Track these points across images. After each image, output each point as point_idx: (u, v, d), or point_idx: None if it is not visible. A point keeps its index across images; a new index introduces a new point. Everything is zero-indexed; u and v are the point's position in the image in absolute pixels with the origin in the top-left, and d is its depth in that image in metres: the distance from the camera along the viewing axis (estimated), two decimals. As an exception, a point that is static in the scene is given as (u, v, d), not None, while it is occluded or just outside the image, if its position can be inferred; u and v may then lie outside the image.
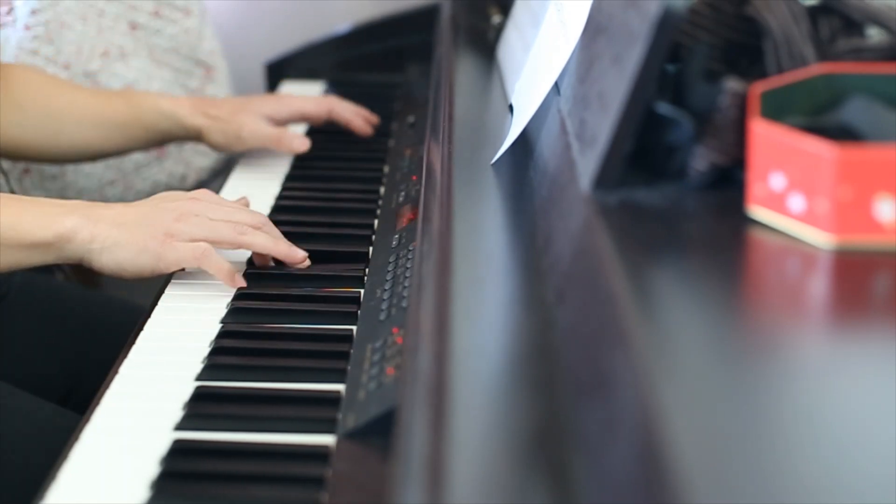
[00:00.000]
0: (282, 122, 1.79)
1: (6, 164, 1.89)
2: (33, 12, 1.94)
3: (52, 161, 1.78)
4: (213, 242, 1.36)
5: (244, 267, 1.42)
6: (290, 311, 1.35)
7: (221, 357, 1.26)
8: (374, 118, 1.89)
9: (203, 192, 1.42)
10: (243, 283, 1.37)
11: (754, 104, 1.04)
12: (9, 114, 1.66)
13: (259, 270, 1.42)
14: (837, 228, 0.98)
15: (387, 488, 0.98)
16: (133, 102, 1.72)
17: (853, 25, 1.14)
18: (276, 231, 1.41)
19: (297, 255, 1.40)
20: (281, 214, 1.61)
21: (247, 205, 1.48)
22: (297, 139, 1.75)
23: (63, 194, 1.95)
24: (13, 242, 1.33)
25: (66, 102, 1.70)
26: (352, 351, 1.25)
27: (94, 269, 1.35)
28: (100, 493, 1.06)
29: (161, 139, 1.75)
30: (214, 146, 1.75)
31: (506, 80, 1.67)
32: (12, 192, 1.89)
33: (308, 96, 1.87)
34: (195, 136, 1.74)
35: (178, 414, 1.16)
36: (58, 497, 1.05)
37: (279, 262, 1.42)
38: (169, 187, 2.01)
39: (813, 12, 1.14)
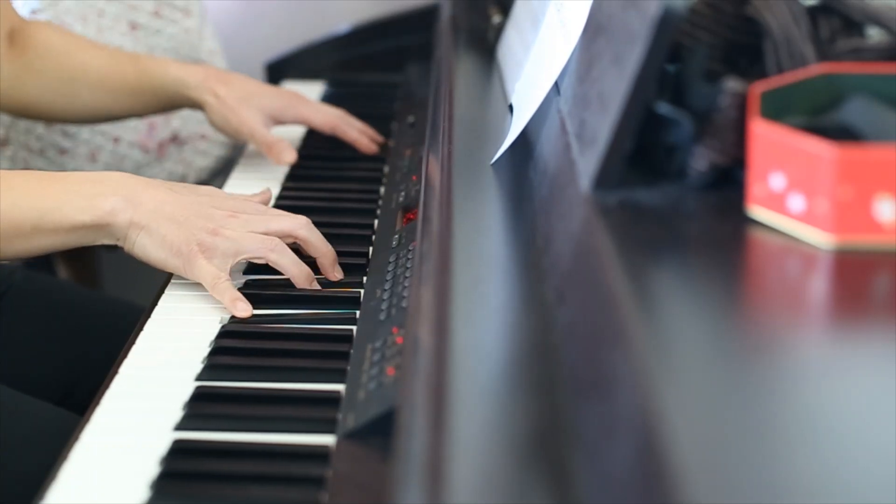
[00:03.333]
0: (283, 123, 1.78)
1: (6, 165, 1.90)
2: (33, 12, 1.94)
3: (65, 121, 1.81)
4: (244, 257, 1.35)
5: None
6: (290, 311, 1.34)
7: (221, 357, 1.26)
8: (380, 137, 1.84)
9: (246, 204, 1.40)
10: (248, 312, 1.33)
11: (754, 104, 1.04)
12: (29, 77, 1.70)
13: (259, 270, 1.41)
14: (837, 228, 0.98)
15: (387, 488, 0.98)
16: (144, 66, 1.73)
17: (853, 25, 1.14)
18: (317, 233, 1.40)
19: (313, 285, 1.37)
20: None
21: (267, 200, 1.48)
22: (287, 152, 1.73)
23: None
24: (54, 227, 1.32)
25: (83, 67, 1.72)
26: (352, 351, 1.25)
27: (125, 251, 1.35)
28: (100, 493, 1.06)
29: (169, 105, 1.75)
30: (211, 124, 1.75)
31: (506, 80, 1.67)
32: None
33: (318, 105, 1.83)
34: (198, 108, 1.75)
35: (178, 414, 1.16)
36: (58, 497, 1.04)
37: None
38: (173, 176, 2.02)
39: (813, 12, 1.14)
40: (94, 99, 1.73)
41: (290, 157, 1.73)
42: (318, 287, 1.38)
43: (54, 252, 1.94)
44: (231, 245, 1.34)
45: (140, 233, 1.33)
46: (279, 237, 1.37)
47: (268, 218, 1.38)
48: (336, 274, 1.40)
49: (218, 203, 1.37)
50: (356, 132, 1.81)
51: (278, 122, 1.77)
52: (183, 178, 2.08)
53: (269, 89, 1.81)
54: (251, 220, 1.37)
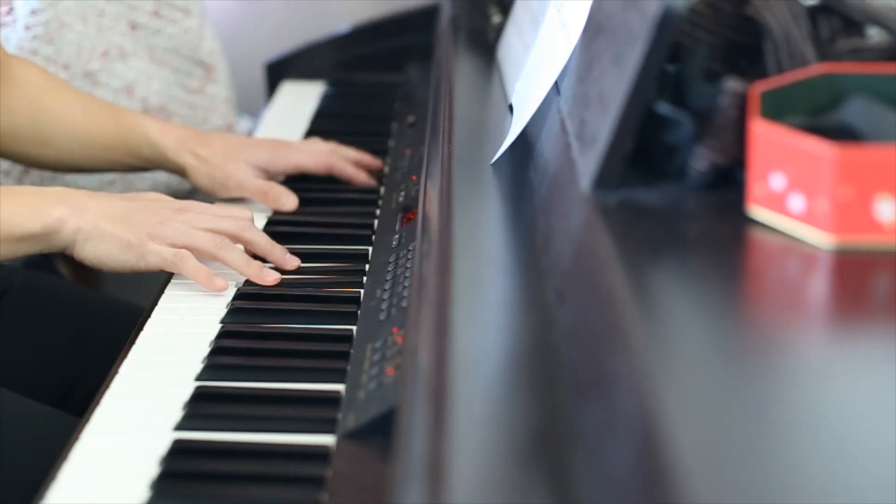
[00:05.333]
0: (275, 176, 1.66)
1: (6, 165, 1.89)
2: (33, 12, 1.94)
3: (31, 165, 1.73)
4: (192, 250, 1.37)
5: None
6: (290, 311, 1.35)
7: (221, 357, 1.26)
8: (378, 163, 1.75)
9: (190, 203, 1.43)
10: (224, 286, 1.37)
11: (754, 104, 1.04)
12: (5, 116, 1.64)
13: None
14: (837, 228, 0.98)
15: (387, 488, 0.98)
16: (122, 124, 1.65)
17: (853, 25, 1.14)
18: (259, 234, 1.42)
19: (265, 278, 1.39)
20: (281, 215, 1.61)
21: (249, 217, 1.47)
22: (285, 196, 1.61)
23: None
24: (4, 236, 1.36)
25: (59, 114, 1.65)
26: (352, 351, 1.25)
27: (77, 258, 1.37)
28: (100, 493, 1.06)
29: (145, 166, 1.67)
30: (197, 188, 1.65)
31: (506, 80, 1.67)
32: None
33: (307, 146, 1.70)
34: (179, 173, 1.64)
35: (178, 414, 1.16)
36: (58, 497, 1.05)
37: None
38: (169, 187, 2.01)
39: (813, 12, 1.14)
40: (66, 148, 1.65)
41: (290, 202, 1.61)
42: (274, 279, 1.39)
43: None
44: (180, 235, 1.37)
45: (88, 237, 1.36)
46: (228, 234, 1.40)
47: (212, 217, 1.40)
48: (291, 262, 1.42)
49: (162, 204, 1.40)
50: (352, 168, 1.70)
51: (269, 174, 1.65)
52: (183, 179, 2.08)
53: (253, 141, 1.70)
54: (196, 218, 1.39)
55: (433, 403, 0.95)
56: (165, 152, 1.62)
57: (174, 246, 1.36)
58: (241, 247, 1.41)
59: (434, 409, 0.94)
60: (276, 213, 1.62)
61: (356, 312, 1.33)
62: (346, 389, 1.18)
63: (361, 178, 1.69)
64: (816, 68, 1.09)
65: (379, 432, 1.08)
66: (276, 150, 1.66)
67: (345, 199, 1.66)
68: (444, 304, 1.08)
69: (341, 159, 1.69)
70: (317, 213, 1.61)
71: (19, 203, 1.37)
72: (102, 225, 1.36)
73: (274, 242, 1.43)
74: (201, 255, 1.39)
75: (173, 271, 1.38)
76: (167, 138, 1.63)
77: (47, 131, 1.65)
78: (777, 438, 0.77)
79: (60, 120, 1.65)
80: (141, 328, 1.32)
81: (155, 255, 1.36)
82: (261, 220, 1.57)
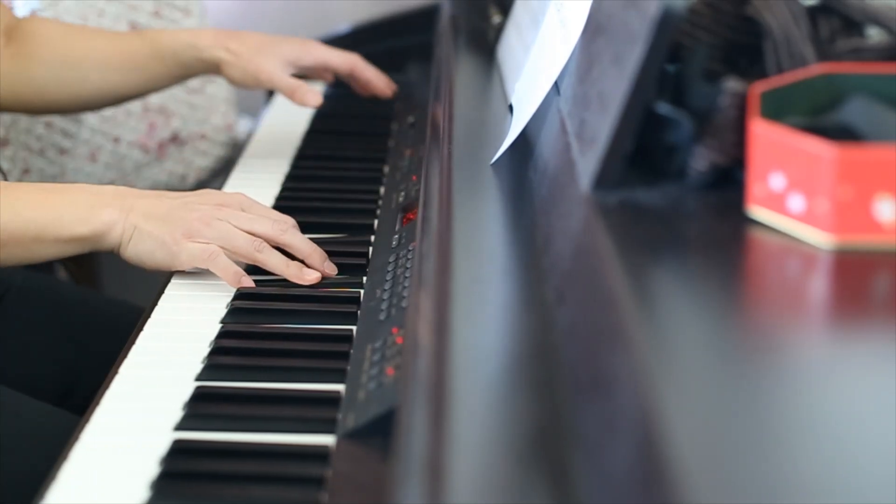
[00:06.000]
0: (304, 69, 1.77)
1: (6, 165, 1.90)
2: (33, 12, 1.94)
3: (76, 109, 1.78)
4: (231, 252, 1.37)
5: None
6: (290, 311, 1.35)
7: (221, 357, 1.26)
8: (394, 85, 1.87)
9: (234, 198, 1.42)
10: (251, 283, 1.37)
11: (754, 104, 1.04)
12: (32, 69, 1.69)
13: (259, 270, 1.41)
14: (837, 228, 0.98)
15: (387, 488, 0.98)
16: (151, 38, 1.72)
17: (853, 25, 1.14)
18: (299, 237, 1.41)
19: (305, 278, 1.39)
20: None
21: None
22: (311, 94, 1.73)
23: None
24: (53, 238, 1.35)
25: (87, 50, 1.71)
26: (352, 351, 1.25)
27: (123, 258, 1.37)
28: (100, 493, 1.06)
29: (183, 73, 1.74)
30: (231, 81, 1.74)
31: (506, 80, 1.67)
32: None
33: (334, 49, 1.83)
34: (214, 69, 1.73)
35: (178, 414, 1.16)
36: (58, 497, 1.05)
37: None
38: (169, 187, 2.01)
39: (813, 12, 1.14)
40: (104, 79, 1.71)
41: (316, 100, 1.73)
42: (314, 278, 1.38)
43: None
44: (218, 233, 1.36)
45: (130, 237, 1.36)
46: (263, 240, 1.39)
47: (252, 217, 1.40)
48: (328, 270, 1.41)
49: (204, 199, 1.40)
50: (373, 73, 1.83)
51: (298, 67, 1.76)
52: (183, 178, 2.08)
53: (282, 38, 1.79)
54: (237, 217, 1.38)
55: (433, 403, 0.95)
56: (201, 50, 1.71)
57: (212, 240, 1.36)
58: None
59: (434, 409, 0.94)
60: (280, 198, 1.62)
61: (356, 312, 1.33)
62: (346, 389, 1.18)
63: (380, 84, 1.83)
64: (816, 68, 1.09)
65: (379, 432, 1.08)
66: (305, 45, 1.78)
67: (345, 199, 1.66)
68: (444, 305, 1.08)
69: (364, 66, 1.82)
70: (317, 213, 1.61)
71: (71, 203, 1.36)
72: (142, 224, 1.36)
73: (314, 246, 1.41)
74: (237, 258, 1.38)
75: (205, 268, 1.37)
76: (200, 38, 1.72)
77: (82, 71, 1.70)
78: (777, 438, 0.77)
79: (91, 56, 1.71)
80: (141, 328, 1.32)
81: (187, 254, 1.36)
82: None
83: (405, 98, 2.04)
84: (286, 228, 1.40)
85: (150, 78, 1.73)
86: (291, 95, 1.73)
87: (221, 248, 1.36)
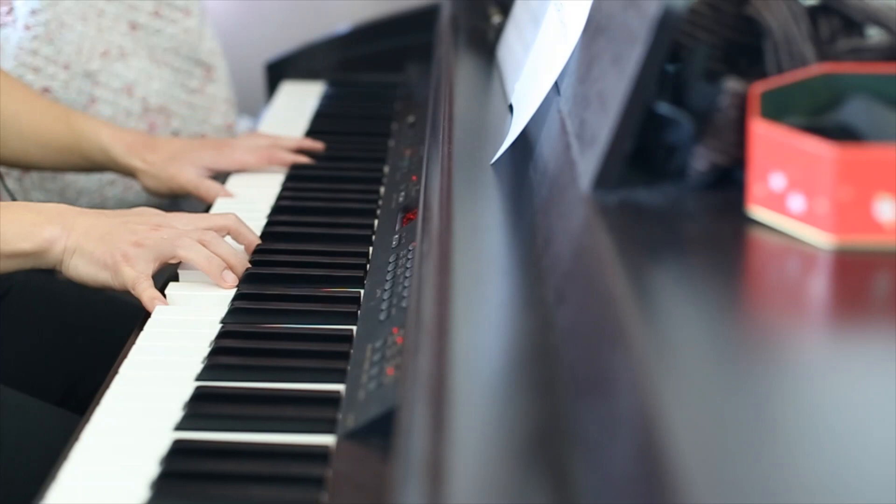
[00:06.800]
0: (219, 172, 1.76)
1: (4, 167, 1.89)
2: (33, 12, 1.94)
3: None
4: (180, 259, 1.40)
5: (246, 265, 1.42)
6: (290, 311, 1.35)
7: (221, 357, 1.26)
8: (319, 145, 1.83)
9: (174, 216, 1.44)
10: (164, 302, 1.36)
11: (754, 104, 1.04)
12: None
13: (259, 270, 1.42)
14: (837, 228, 0.98)
15: (387, 488, 0.98)
16: (76, 129, 1.74)
17: (853, 25, 1.14)
18: (245, 227, 1.46)
19: (224, 283, 1.39)
20: (281, 215, 1.61)
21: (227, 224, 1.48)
22: (215, 188, 1.71)
23: (63, 194, 1.95)
24: None
25: (12, 114, 1.72)
26: (352, 351, 1.25)
27: (65, 275, 1.40)
28: (100, 493, 1.05)
29: (100, 168, 1.77)
30: (146, 188, 1.76)
31: (506, 80, 1.67)
32: (11, 192, 1.89)
33: (247, 144, 1.80)
34: (130, 175, 1.75)
35: (178, 414, 1.16)
36: (58, 497, 1.04)
37: (280, 262, 1.43)
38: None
39: (813, 12, 1.14)
40: (22, 149, 1.73)
41: (222, 191, 1.71)
42: (232, 281, 1.40)
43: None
44: (149, 252, 1.38)
45: (73, 256, 1.39)
46: (214, 230, 1.42)
47: (194, 220, 1.43)
48: (225, 280, 1.41)
49: (143, 220, 1.42)
50: (291, 156, 1.79)
51: (213, 171, 1.74)
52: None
53: (196, 143, 1.80)
54: (176, 228, 1.41)
55: (433, 403, 0.95)
56: (116, 157, 1.73)
57: (147, 262, 1.37)
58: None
59: (434, 409, 0.94)
60: (276, 212, 1.62)
61: (356, 312, 1.33)
62: (346, 389, 1.18)
63: (302, 159, 1.79)
64: (816, 68, 1.09)
65: (379, 432, 1.08)
66: (219, 150, 1.77)
67: (345, 199, 1.66)
68: (444, 304, 1.08)
69: (280, 150, 1.79)
70: (317, 213, 1.61)
71: (13, 221, 1.39)
72: (84, 244, 1.39)
73: (241, 257, 1.44)
74: (193, 263, 1.39)
75: (151, 269, 1.38)
76: (117, 144, 1.73)
77: (3, 134, 1.71)
78: (777, 438, 0.77)
79: (17, 122, 1.73)
80: (141, 328, 1.32)
81: (123, 278, 1.37)
82: (261, 221, 1.57)
83: (405, 98, 2.04)
84: (234, 218, 1.45)
85: (68, 163, 1.76)
86: (197, 193, 1.72)
87: (155, 258, 1.38)
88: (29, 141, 1.73)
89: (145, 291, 1.36)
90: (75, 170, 1.78)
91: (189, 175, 1.72)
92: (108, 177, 1.98)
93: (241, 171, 1.77)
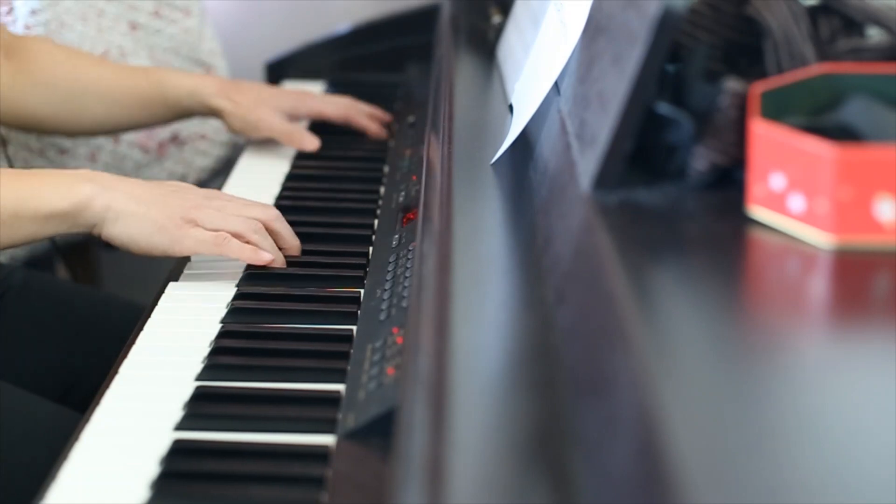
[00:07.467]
0: (298, 119, 1.85)
1: (5, 164, 1.89)
2: (33, 12, 1.94)
3: (69, 134, 1.82)
4: (231, 234, 1.37)
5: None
6: (290, 311, 1.35)
7: (221, 357, 1.26)
8: (388, 117, 1.92)
9: (216, 192, 1.44)
10: (270, 258, 1.38)
11: (754, 104, 1.04)
12: (35, 90, 1.72)
13: (259, 270, 1.41)
14: (837, 228, 0.98)
15: (387, 488, 0.98)
16: (156, 79, 1.78)
17: (853, 25, 1.14)
18: (287, 226, 1.44)
19: (263, 257, 1.39)
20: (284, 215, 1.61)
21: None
22: (308, 139, 1.81)
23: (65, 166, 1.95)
24: (31, 214, 1.34)
25: (92, 79, 1.75)
26: (352, 351, 1.25)
27: (104, 237, 1.36)
28: (100, 493, 1.06)
29: (183, 115, 1.81)
30: (230, 128, 1.81)
31: (506, 80, 1.67)
32: (10, 159, 1.89)
33: (329, 98, 1.92)
34: (215, 115, 1.80)
35: (178, 414, 1.16)
36: (58, 497, 1.04)
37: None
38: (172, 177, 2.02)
39: (813, 12, 1.14)
40: (105, 111, 1.76)
41: (312, 144, 1.80)
42: (269, 259, 1.39)
43: (43, 249, 1.94)
44: (216, 218, 1.37)
45: (118, 216, 1.34)
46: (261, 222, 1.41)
47: (241, 205, 1.42)
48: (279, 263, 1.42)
49: (192, 190, 1.42)
50: (366, 119, 1.89)
51: (294, 117, 1.84)
52: (183, 178, 2.08)
53: (280, 91, 1.90)
54: (226, 205, 1.40)
55: (433, 403, 0.95)
56: (205, 99, 1.78)
57: (212, 226, 1.36)
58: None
59: (434, 409, 0.94)
60: (280, 198, 1.63)
61: (356, 312, 1.33)
62: (346, 389, 1.18)
63: (375, 129, 1.88)
64: (816, 68, 1.09)
65: (379, 432, 1.08)
66: (300, 97, 1.87)
67: (345, 199, 1.66)
68: (444, 304, 1.08)
69: (358, 112, 1.89)
70: (317, 213, 1.61)
71: (46, 182, 1.36)
72: (134, 206, 1.35)
73: (297, 238, 1.44)
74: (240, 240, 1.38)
75: (214, 254, 1.37)
76: (205, 87, 1.79)
77: (86, 100, 1.74)
78: (777, 438, 0.77)
79: (94, 85, 1.75)
80: (141, 328, 1.32)
81: (192, 240, 1.35)
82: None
83: (405, 98, 2.04)
84: (277, 216, 1.43)
85: (152, 116, 1.79)
86: (289, 141, 1.81)
87: (222, 226, 1.37)
88: (112, 101, 1.75)
89: (231, 243, 1.35)
90: (160, 122, 1.81)
91: (276, 120, 1.80)
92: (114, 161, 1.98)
93: (319, 118, 1.86)
